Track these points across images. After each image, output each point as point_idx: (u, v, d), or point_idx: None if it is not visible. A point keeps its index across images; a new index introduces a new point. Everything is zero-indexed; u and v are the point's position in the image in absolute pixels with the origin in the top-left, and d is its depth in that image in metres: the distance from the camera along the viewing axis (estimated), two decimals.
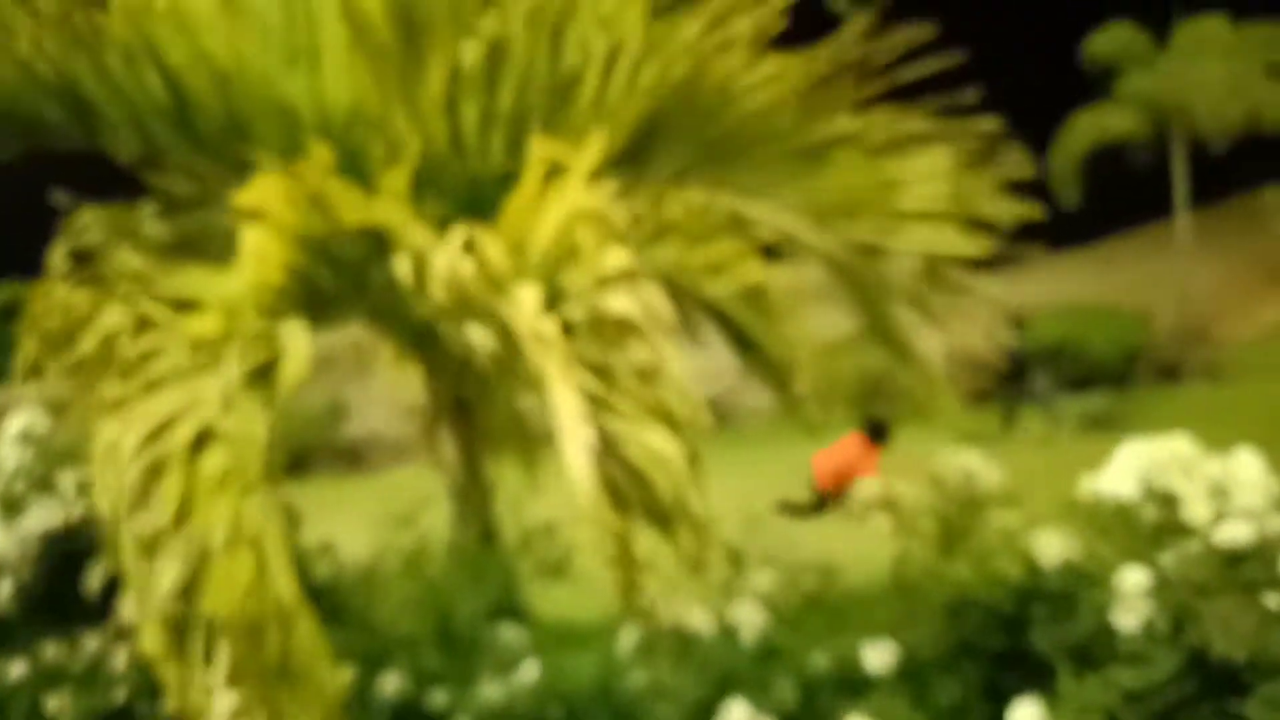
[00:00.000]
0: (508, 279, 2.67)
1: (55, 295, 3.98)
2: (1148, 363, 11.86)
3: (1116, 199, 12.77)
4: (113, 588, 4.36)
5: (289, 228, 2.83)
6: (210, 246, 3.77)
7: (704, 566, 2.65)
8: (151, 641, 2.47)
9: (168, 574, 2.39)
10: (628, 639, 3.25)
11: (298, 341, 2.65)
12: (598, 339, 2.57)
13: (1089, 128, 12.91)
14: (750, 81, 3.33)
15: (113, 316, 2.86)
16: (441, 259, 2.76)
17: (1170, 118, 12.78)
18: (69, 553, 4.45)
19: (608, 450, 2.47)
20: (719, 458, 2.68)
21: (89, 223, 3.96)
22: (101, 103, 3.42)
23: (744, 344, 4.04)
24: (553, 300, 2.60)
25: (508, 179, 3.63)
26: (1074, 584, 2.43)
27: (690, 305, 3.95)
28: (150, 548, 2.45)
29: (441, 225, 3.09)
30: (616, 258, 2.63)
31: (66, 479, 4.90)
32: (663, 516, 2.57)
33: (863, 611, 2.82)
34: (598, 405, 2.47)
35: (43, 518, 4.46)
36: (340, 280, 3.29)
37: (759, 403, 10.82)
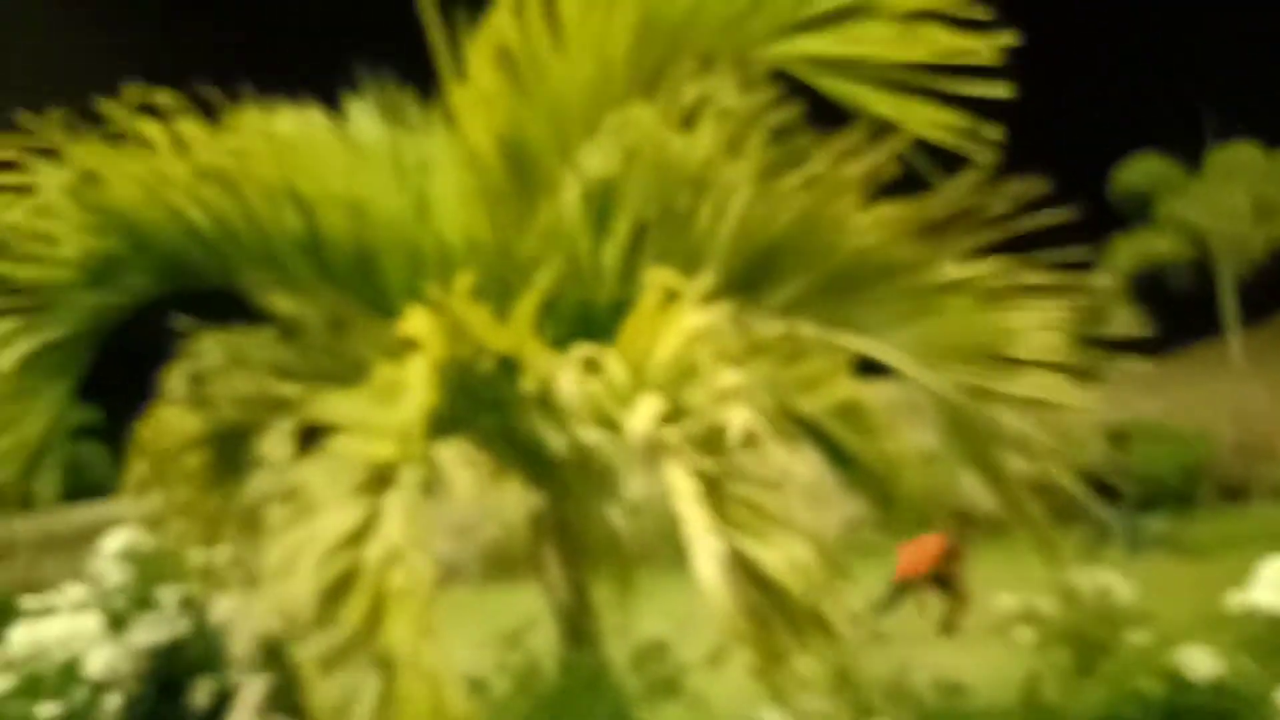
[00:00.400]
0: (630, 394, 2.82)
1: (168, 417, 4.17)
2: (1211, 482, 11.86)
3: (1161, 321, 12.95)
4: (220, 703, 4.48)
5: (439, 355, 3.00)
6: (331, 372, 3.96)
7: (844, 679, 2.72)
8: None
9: (364, 689, 2.49)
10: None
11: (460, 464, 2.79)
12: (719, 452, 2.70)
13: (1131, 252, 13.19)
14: (864, 222, 3.52)
15: (270, 441, 3.00)
16: (567, 377, 2.92)
17: (1209, 240, 13.05)
18: (174, 668, 4.56)
19: (739, 561, 2.57)
20: None
21: (208, 347, 4.17)
22: (243, 241, 3.64)
23: (839, 458, 4.16)
24: (674, 415, 2.74)
25: (620, 305, 3.83)
26: (1228, 701, 2.48)
27: (783, 421, 4.08)
28: (333, 663, 2.55)
29: (556, 348, 3.28)
30: (733, 375, 2.78)
31: (168, 596, 5.04)
32: (799, 627, 2.66)
33: None
34: (725, 517, 2.59)
35: (148, 633, 4.57)
36: (467, 403, 3.45)
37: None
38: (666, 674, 3.72)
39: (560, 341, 3.36)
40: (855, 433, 4.14)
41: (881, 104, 3.34)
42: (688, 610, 5.03)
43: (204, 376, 4.02)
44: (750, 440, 2.59)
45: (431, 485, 2.90)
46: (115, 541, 5.22)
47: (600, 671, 3.73)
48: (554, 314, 3.74)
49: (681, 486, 2.51)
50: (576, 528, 4.14)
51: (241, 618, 4.45)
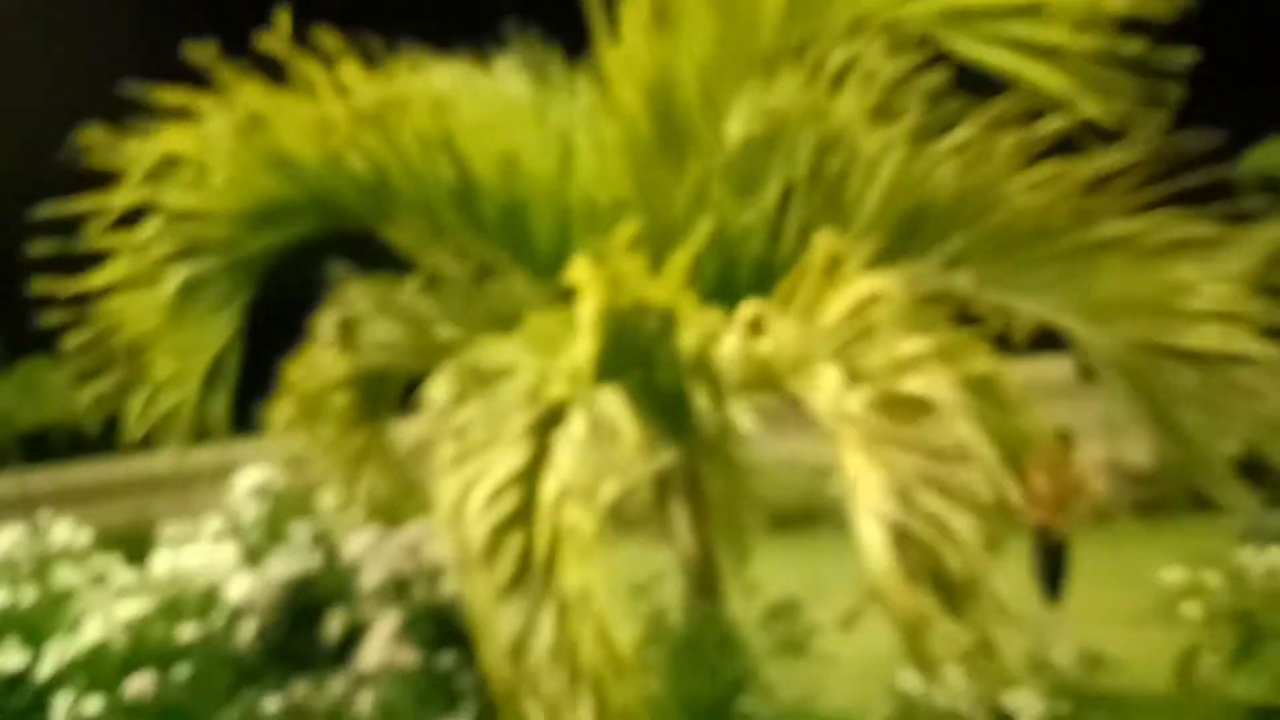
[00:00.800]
0: (803, 358, 2.83)
1: (316, 359, 4.31)
2: None
3: None
4: (352, 635, 4.64)
5: (602, 303, 3.05)
6: (475, 321, 4.06)
7: (993, 650, 2.71)
8: (506, 684, 2.62)
9: (540, 624, 2.56)
10: None
11: (623, 409, 2.83)
12: (895, 420, 2.70)
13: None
14: (1021, 183, 3.48)
15: (434, 384, 3.08)
16: (733, 337, 2.94)
17: None
18: (306, 600, 4.74)
19: (904, 528, 2.57)
20: None
21: (356, 295, 4.31)
22: (398, 188, 3.74)
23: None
24: (853, 381, 2.74)
25: (763, 268, 3.85)
26: None
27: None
28: (504, 599, 2.63)
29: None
30: (913, 341, 2.77)
31: (300, 532, 5.22)
32: (954, 598, 2.66)
33: (1147, 712, 2.83)
34: (894, 485, 2.59)
35: (283, 567, 4.75)
36: (614, 355, 3.50)
37: None
38: (795, 634, 3.75)
39: (701, 302, 3.38)
40: (991, 408, 4.09)
41: (1035, 71, 3.28)
42: (816, 571, 5.06)
43: (352, 322, 4.15)
44: (927, 409, 2.59)
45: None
46: (250, 478, 5.42)
47: (729, 628, 3.78)
48: (696, 273, 3.78)
49: (855, 453, 2.52)
50: (707, 485, 4.18)
51: (373, 553, 4.60)
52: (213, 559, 4.99)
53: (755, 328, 2.91)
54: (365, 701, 4.07)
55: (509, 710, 2.68)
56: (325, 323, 4.30)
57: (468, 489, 2.70)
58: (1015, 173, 3.49)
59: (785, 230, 3.71)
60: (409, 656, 4.18)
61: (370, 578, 4.59)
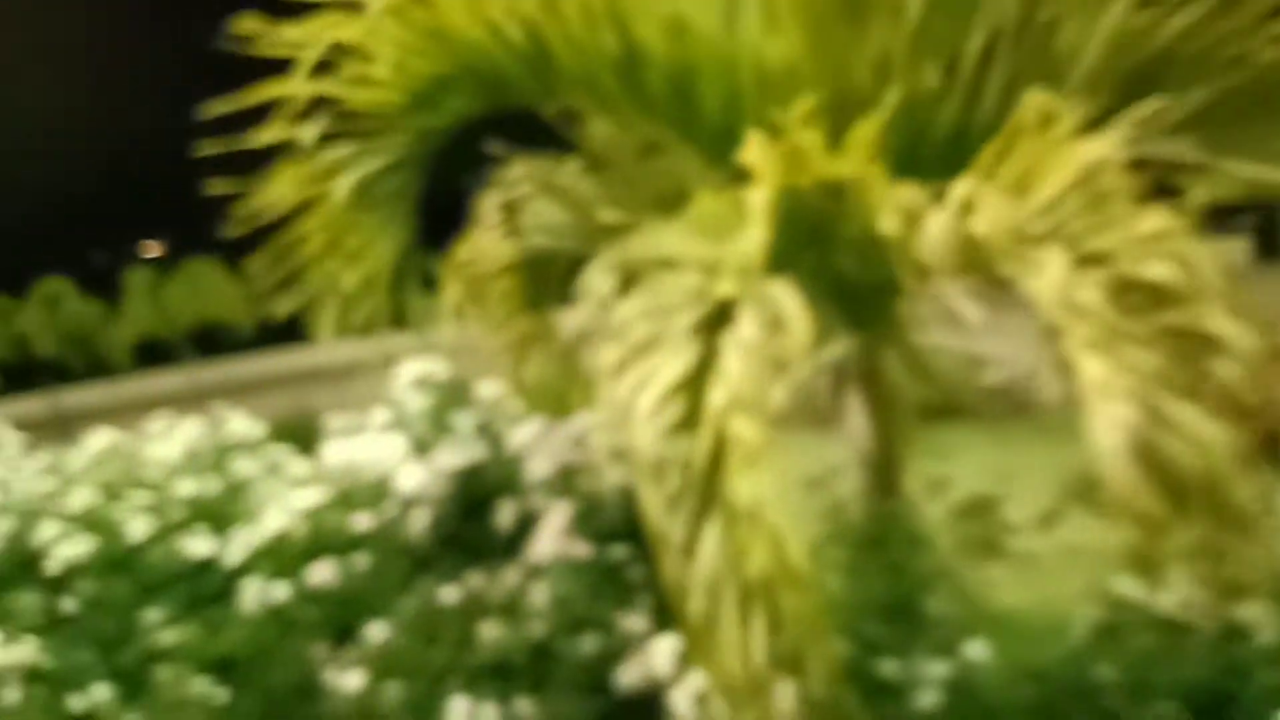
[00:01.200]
0: (1024, 240, 2.52)
1: (481, 242, 4.19)
2: None
3: None
4: (522, 526, 4.63)
5: (778, 184, 2.80)
6: (641, 203, 3.85)
7: (1230, 558, 2.44)
8: (679, 591, 2.51)
9: (708, 535, 2.42)
10: (1088, 625, 3.10)
11: (796, 303, 2.60)
12: (1132, 310, 2.39)
13: None
14: (1262, 39, 3.02)
15: (593, 274, 2.90)
16: (941, 217, 2.65)
17: None
18: (475, 492, 4.73)
19: (1143, 432, 2.29)
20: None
21: (518, 176, 4.14)
22: (559, 59, 3.52)
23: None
24: (1085, 265, 2.43)
25: (959, 137, 3.49)
26: None
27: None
28: (676, 507, 2.49)
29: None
30: (1152, 217, 2.43)
31: (464, 422, 5.21)
32: (1195, 502, 2.38)
33: None
34: (1137, 385, 2.30)
35: (451, 458, 4.74)
36: (790, 240, 3.25)
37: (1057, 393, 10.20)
38: (987, 533, 3.52)
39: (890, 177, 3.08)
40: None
41: None
42: (1008, 468, 4.81)
43: (515, 204, 3.99)
44: (1170, 297, 2.28)
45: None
46: (412, 370, 5.42)
47: (914, 525, 3.57)
48: (882, 145, 3.46)
49: (1088, 350, 2.23)
50: (888, 376, 3.93)
51: (540, 444, 4.54)
52: (381, 451, 5.03)
53: (964, 207, 2.61)
54: (539, 593, 4.03)
55: (685, 619, 2.56)
56: (488, 205, 4.16)
57: (634, 393, 2.53)
58: (1263, 24, 3.03)
59: (985, 92, 3.34)
60: (580, 549, 4.12)
61: (537, 469, 4.54)
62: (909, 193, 2.76)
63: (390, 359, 5.39)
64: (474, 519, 4.64)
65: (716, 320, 2.61)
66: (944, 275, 2.68)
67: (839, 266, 3.42)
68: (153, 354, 27.55)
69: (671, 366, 2.58)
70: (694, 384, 2.56)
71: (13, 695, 4.52)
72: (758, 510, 2.40)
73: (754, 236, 2.65)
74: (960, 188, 2.65)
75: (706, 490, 2.45)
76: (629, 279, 2.90)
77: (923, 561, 3.45)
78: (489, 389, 5.36)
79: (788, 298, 2.62)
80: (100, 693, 4.54)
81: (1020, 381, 10.42)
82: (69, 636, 4.71)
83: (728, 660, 2.41)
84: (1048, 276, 2.42)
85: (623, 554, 4.16)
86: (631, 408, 2.59)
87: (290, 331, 5.70)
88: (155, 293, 26.90)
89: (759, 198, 2.71)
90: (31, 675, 4.54)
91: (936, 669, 3.12)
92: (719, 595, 2.48)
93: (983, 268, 2.65)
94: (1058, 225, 2.48)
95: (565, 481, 4.47)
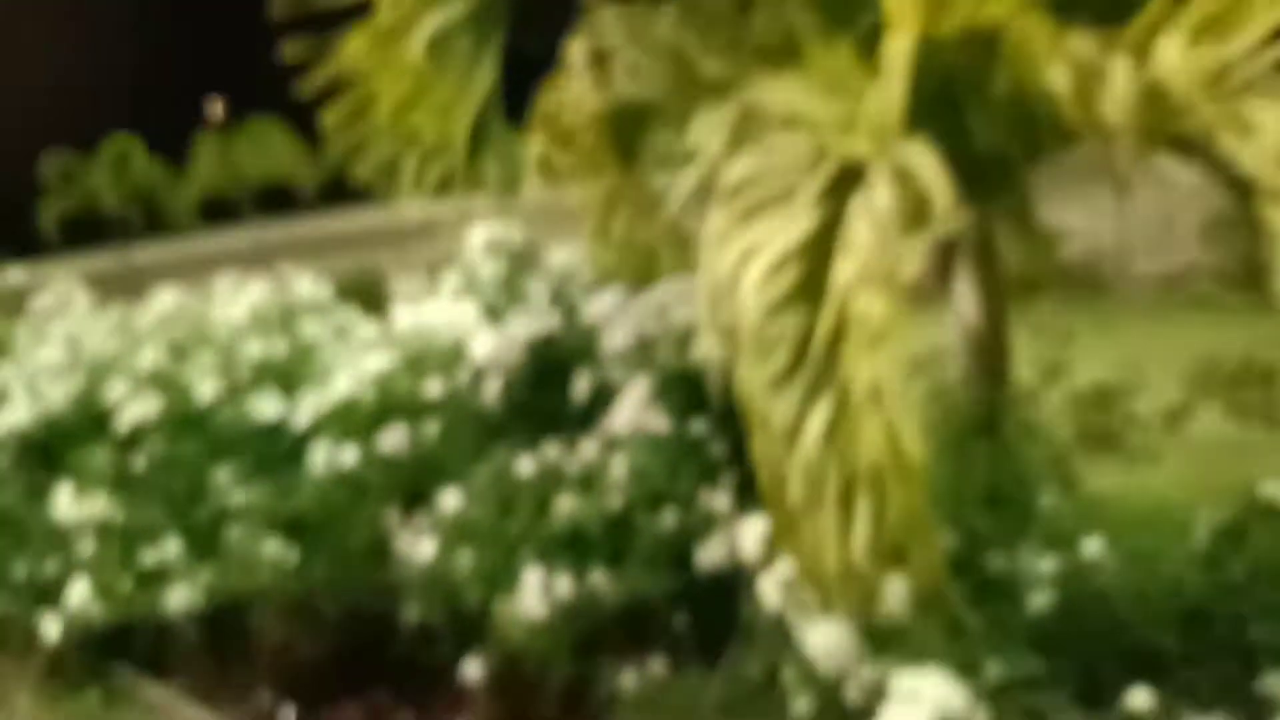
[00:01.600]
0: (1229, 93, 2.19)
1: (571, 91, 3.89)
2: None
3: None
4: (598, 398, 4.47)
5: (916, 34, 2.48)
6: (743, 56, 3.52)
7: None
8: (776, 477, 2.31)
9: (816, 419, 2.20)
10: (1210, 523, 2.87)
11: (935, 165, 2.32)
12: None
13: None
14: None
15: (701, 128, 2.62)
16: (1125, 68, 2.31)
17: None
18: (549, 361, 4.56)
19: None
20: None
21: (608, 23, 3.81)
22: None
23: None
24: None
25: None
26: None
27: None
28: (780, 385, 2.26)
29: None
30: None
31: (537, 290, 5.01)
32: None
33: None
34: None
35: (524, 326, 4.56)
36: (929, 101, 2.92)
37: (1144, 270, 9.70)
38: (1109, 425, 3.27)
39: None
40: None
41: None
42: (1134, 358, 4.49)
43: (605, 53, 3.68)
44: None
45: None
46: (485, 233, 5.21)
47: (1025, 413, 3.33)
48: None
49: None
50: (1001, 253, 3.63)
51: (619, 314, 4.33)
52: (452, 316, 4.86)
53: (1146, 53, 2.27)
54: (618, 465, 3.88)
55: (777, 503, 2.37)
56: (576, 52, 3.85)
57: (743, 259, 2.29)
58: None
59: None
60: (659, 422, 3.95)
61: (615, 339, 4.34)
62: (1080, 41, 2.41)
63: (459, 221, 5.17)
64: (547, 389, 4.48)
65: (843, 184, 2.34)
66: (1122, 135, 2.35)
67: (970, 129, 3.09)
68: (218, 212, 27.66)
69: (788, 233, 2.33)
70: (812, 252, 2.31)
71: (87, 548, 4.53)
72: (877, 395, 2.17)
73: (891, 91, 2.35)
74: (1136, 33, 2.31)
75: (823, 370, 2.22)
76: (738, 137, 2.61)
77: (1034, 451, 3.22)
78: (562, 256, 5.14)
79: (926, 160, 2.33)
80: (171, 548, 4.54)
81: (1097, 256, 9.93)
82: (139, 493, 4.69)
83: (824, 550, 2.23)
84: (1258, 138, 2.11)
85: (703, 429, 3.98)
86: (739, 276, 2.35)
87: (354, 192, 5.51)
88: (221, 152, 26.90)
89: (898, 48, 2.40)
90: (104, 530, 4.54)
91: (1046, 565, 2.92)
92: (820, 481, 2.28)
93: (1169, 124, 2.32)
94: (1260, 75, 2.15)
95: (644, 353, 4.28)
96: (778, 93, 2.65)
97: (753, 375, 2.34)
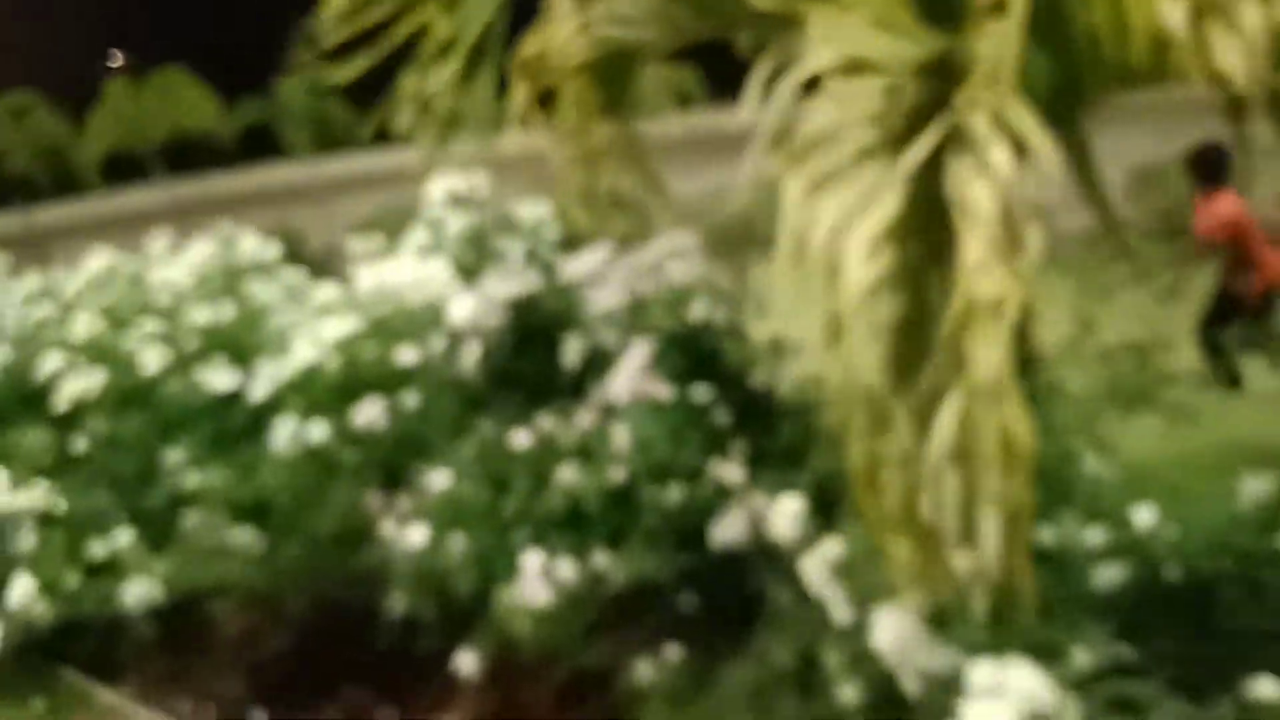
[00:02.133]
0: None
1: (555, 38, 3.55)
2: None
3: None
4: (587, 364, 4.17)
5: None
6: None
7: None
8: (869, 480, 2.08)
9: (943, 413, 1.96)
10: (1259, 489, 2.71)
11: (1032, 119, 2.06)
12: None
13: None
14: None
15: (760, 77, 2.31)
16: (1251, 8, 2.06)
17: None
18: (530, 324, 4.24)
19: None
20: None
21: None
22: None
23: None
24: None
25: None
26: None
27: None
28: (902, 380, 2.02)
29: None
30: None
31: (514, 248, 4.68)
32: None
33: None
34: None
35: (502, 286, 4.23)
36: None
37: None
38: (1139, 382, 3.09)
39: None
40: None
41: None
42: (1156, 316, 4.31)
43: None
44: None
45: None
46: (445, 185, 4.84)
47: (1051, 374, 3.13)
48: None
49: None
50: None
51: (607, 273, 4.03)
52: (420, 275, 4.51)
53: None
54: (619, 436, 3.60)
55: (875, 502, 2.15)
56: None
57: (838, 230, 2.01)
58: None
59: None
60: (661, 389, 3.67)
61: (603, 299, 4.05)
62: None
63: (393, 176, 4.79)
64: (530, 355, 4.17)
65: (942, 142, 2.07)
66: (1247, 88, 2.11)
67: (1035, 66, 2.84)
68: (123, 168, 26.44)
69: (885, 203, 2.06)
70: (912, 225, 2.05)
71: (27, 541, 4.12)
72: (999, 386, 1.95)
73: (1008, 34, 2.07)
74: None
75: (950, 360, 1.99)
76: (809, 85, 2.31)
77: (1062, 411, 3.02)
78: (529, 211, 4.81)
79: (1023, 112, 2.07)
80: (122, 538, 4.15)
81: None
82: (84, 478, 4.28)
83: (937, 550, 2.00)
84: None
85: (706, 396, 3.72)
86: (835, 255, 2.08)
87: (268, 145, 5.08)
88: (126, 104, 25.62)
89: None
90: (46, 520, 4.13)
91: (1094, 536, 2.74)
92: (913, 467, 2.06)
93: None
94: None
95: (636, 315, 3.99)
96: (833, 31, 2.35)
97: (857, 363, 2.09)
